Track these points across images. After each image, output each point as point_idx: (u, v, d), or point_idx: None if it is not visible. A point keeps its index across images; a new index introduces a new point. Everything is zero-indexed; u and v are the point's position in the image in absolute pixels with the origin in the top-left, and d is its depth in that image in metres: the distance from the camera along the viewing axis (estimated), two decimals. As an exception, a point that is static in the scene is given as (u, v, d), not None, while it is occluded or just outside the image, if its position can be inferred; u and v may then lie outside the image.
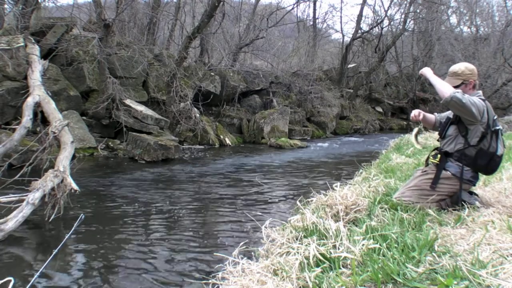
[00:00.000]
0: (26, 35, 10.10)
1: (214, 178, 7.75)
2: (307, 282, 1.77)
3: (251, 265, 2.04)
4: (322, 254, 2.00)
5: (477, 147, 2.85)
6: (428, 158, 3.21)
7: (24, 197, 4.49)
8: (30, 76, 8.84)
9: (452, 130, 3.00)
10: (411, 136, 3.31)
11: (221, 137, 13.22)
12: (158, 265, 3.62)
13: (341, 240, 2.13)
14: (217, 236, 4.46)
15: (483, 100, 2.88)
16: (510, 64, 20.27)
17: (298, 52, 21.86)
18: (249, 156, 10.94)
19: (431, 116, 3.31)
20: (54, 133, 6.09)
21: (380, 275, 1.74)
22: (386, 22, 21.93)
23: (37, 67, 9.24)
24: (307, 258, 1.97)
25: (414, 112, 3.19)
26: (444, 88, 2.85)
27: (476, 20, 26.00)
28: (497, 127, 2.88)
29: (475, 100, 2.78)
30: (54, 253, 2.46)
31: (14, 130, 6.52)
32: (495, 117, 2.91)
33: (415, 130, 3.31)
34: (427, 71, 3.17)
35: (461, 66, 3.01)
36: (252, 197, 6.22)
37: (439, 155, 3.01)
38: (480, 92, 3.00)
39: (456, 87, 2.94)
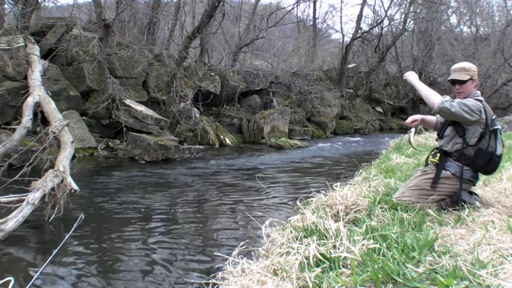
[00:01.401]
0: (26, 35, 10.10)
1: (214, 178, 7.75)
2: (307, 282, 1.77)
3: (251, 265, 2.04)
4: (322, 254, 2.00)
5: (476, 147, 2.86)
6: (427, 158, 3.22)
7: (24, 197, 4.48)
8: (30, 76, 8.84)
9: (449, 130, 3.02)
10: (410, 135, 3.33)
11: (221, 137, 13.22)
12: (158, 265, 3.62)
13: (341, 240, 2.13)
14: (217, 236, 4.46)
15: (480, 101, 2.88)
16: (510, 64, 20.26)
17: (298, 52, 21.84)
18: (249, 156, 10.94)
19: (432, 118, 3.32)
20: (54, 133, 6.09)
21: (380, 275, 1.74)
22: (386, 22, 21.94)
23: (37, 67, 9.24)
24: (307, 258, 1.97)
25: (409, 120, 3.20)
26: (432, 97, 2.89)
27: (476, 20, 26.01)
28: (496, 127, 2.89)
29: (466, 103, 2.79)
30: (54, 253, 2.46)
31: (14, 130, 6.52)
32: (494, 117, 2.91)
33: (411, 133, 3.31)
34: (412, 77, 3.14)
35: (468, 64, 3.06)
36: (252, 197, 6.22)
37: (438, 154, 3.02)
38: (479, 92, 3.01)
39: (464, 81, 2.96)
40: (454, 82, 3.01)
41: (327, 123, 17.50)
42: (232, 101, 15.52)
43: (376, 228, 2.29)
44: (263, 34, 17.58)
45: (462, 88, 3.00)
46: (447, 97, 2.85)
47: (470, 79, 2.96)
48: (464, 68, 3.00)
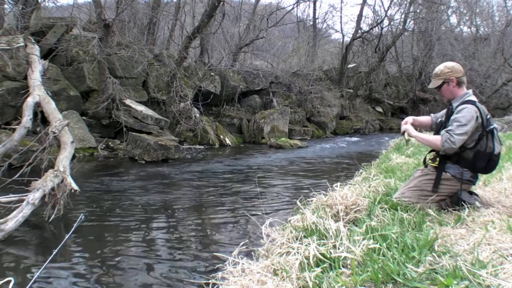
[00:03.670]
0: (26, 35, 10.10)
1: (214, 178, 7.75)
2: (307, 282, 1.77)
3: (251, 265, 2.04)
4: (322, 254, 2.00)
5: (474, 149, 2.85)
6: (425, 158, 3.21)
7: (24, 197, 4.48)
8: (30, 76, 8.84)
9: None
10: (405, 141, 3.26)
11: (221, 137, 13.21)
12: (158, 265, 3.62)
13: (341, 240, 2.13)
14: (217, 236, 4.46)
15: (473, 103, 2.85)
16: (510, 64, 20.25)
17: (298, 52, 21.84)
18: (249, 156, 10.94)
19: (426, 119, 3.31)
20: (54, 133, 6.09)
21: (380, 275, 1.74)
22: (386, 22, 21.94)
23: (37, 67, 9.24)
24: (307, 258, 1.97)
25: (402, 130, 3.16)
26: (432, 141, 2.93)
27: (476, 20, 25.99)
28: (492, 126, 2.87)
29: (462, 127, 2.75)
30: (54, 253, 2.46)
31: (14, 130, 6.52)
32: (489, 116, 2.89)
33: (405, 138, 3.26)
34: (411, 131, 3.07)
35: (440, 66, 3.03)
36: (252, 197, 6.21)
37: (437, 158, 3.00)
38: (470, 91, 2.97)
39: (438, 87, 2.99)
40: None
41: (327, 123, 17.50)
42: (232, 101, 15.52)
43: (376, 228, 2.30)
44: (263, 34, 17.58)
45: (441, 92, 3.03)
46: (444, 135, 2.82)
47: (444, 82, 2.95)
48: (436, 74, 3.01)
